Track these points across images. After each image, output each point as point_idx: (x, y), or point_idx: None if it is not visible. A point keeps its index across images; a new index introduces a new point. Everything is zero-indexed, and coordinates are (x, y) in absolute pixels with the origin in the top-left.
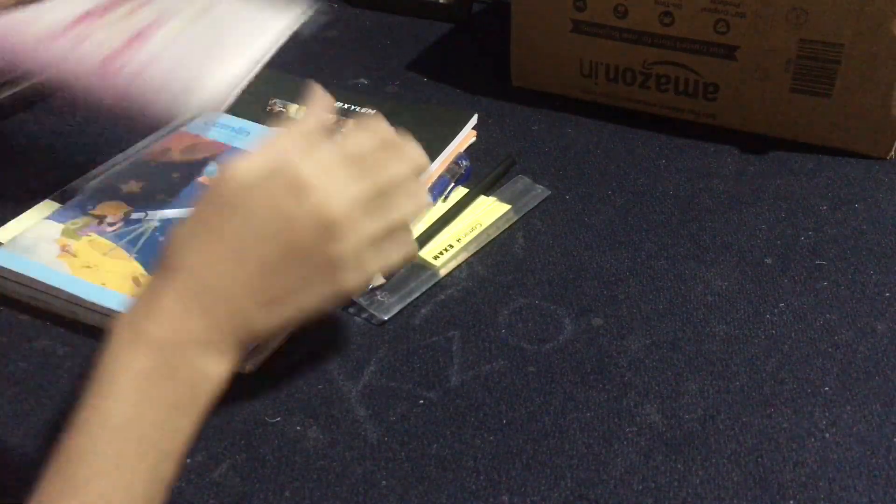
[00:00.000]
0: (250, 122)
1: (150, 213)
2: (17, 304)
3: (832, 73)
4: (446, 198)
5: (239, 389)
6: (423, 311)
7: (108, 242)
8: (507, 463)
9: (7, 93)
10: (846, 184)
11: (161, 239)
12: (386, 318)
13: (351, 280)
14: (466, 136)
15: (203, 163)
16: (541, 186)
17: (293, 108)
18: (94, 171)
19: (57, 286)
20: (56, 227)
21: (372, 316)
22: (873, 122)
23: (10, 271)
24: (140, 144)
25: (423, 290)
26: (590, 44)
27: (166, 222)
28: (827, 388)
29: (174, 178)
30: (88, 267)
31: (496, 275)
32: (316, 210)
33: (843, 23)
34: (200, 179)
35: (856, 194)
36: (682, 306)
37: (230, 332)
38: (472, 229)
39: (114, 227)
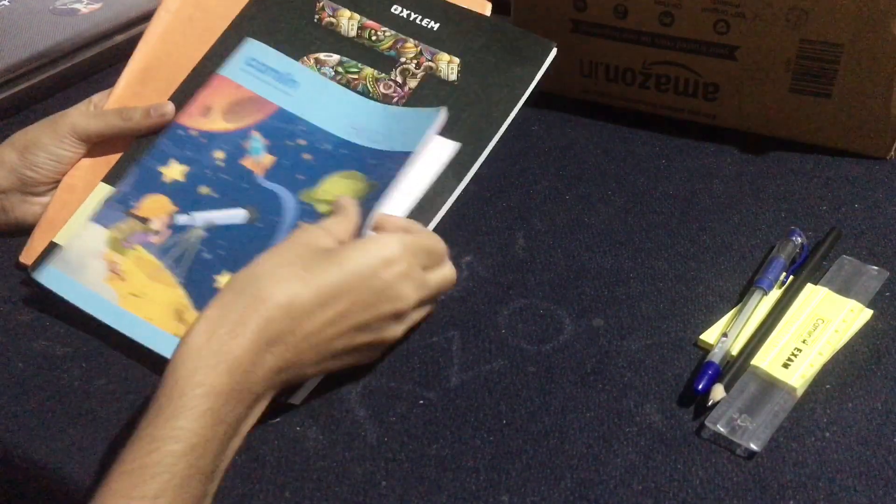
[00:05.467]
0: (294, 64)
1: (194, 214)
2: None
3: (832, 73)
4: (783, 285)
5: None
6: None
7: (154, 260)
8: (507, 463)
9: (7, 93)
10: (846, 184)
11: (208, 257)
12: (758, 449)
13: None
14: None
15: (246, 133)
16: (874, 267)
17: (345, 15)
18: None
19: (105, 321)
20: (101, 235)
21: (740, 446)
22: (873, 122)
23: (59, 297)
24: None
25: (787, 409)
26: (590, 44)
27: (212, 231)
28: (827, 387)
29: (218, 162)
30: (136, 296)
31: (496, 275)
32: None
33: (843, 23)
34: (243, 162)
35: (856, 194)
36: (683, 306)
37: (287, 373)
38: (815, 327)
39: (160, 237)
